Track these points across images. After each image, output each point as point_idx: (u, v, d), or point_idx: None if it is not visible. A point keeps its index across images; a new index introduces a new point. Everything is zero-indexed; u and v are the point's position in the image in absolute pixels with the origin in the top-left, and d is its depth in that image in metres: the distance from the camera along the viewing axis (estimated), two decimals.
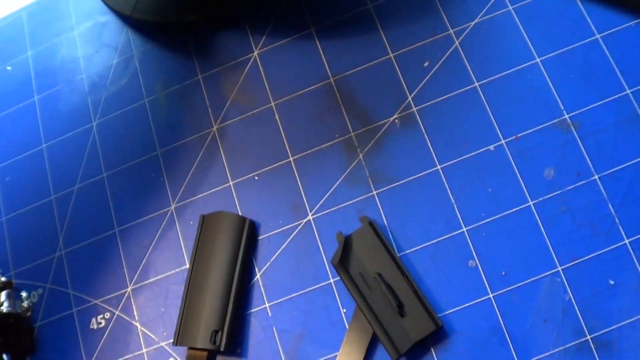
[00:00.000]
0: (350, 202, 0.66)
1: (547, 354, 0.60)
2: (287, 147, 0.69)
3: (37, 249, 0.72)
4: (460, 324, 0.62)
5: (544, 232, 0.63)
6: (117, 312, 0.68)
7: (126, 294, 0.68)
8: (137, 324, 0.67)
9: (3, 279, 0.71)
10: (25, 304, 0.70)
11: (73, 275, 0.71)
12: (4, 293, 0.70)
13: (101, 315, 0.68)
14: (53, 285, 0.71)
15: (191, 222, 0.69)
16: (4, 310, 0.69)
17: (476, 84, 0.66)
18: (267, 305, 0.65)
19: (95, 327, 0.68)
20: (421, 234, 0.65)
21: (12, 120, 0.78)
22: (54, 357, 0.69)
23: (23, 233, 0.73)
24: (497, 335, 0.61)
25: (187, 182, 0.70)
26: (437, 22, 0.69)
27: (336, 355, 0.63)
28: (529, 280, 0.62)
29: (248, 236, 0.66)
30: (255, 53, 0.72)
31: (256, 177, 0.68)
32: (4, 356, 0.68)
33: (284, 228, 0.67)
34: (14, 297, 0.70)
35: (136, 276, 0.69)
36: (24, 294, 0.71)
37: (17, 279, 0.72)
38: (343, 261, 0.62)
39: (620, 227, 0.61)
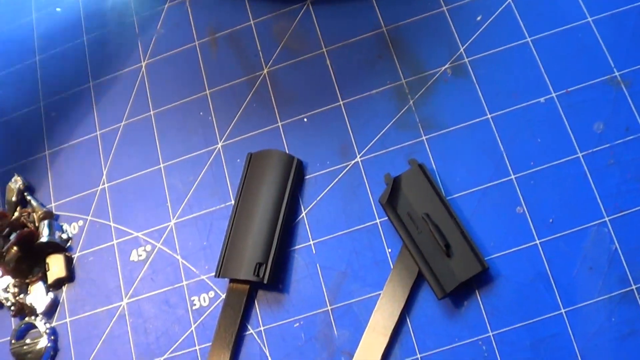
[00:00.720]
0: (399, 146, 0.66)
1: (591, 301, 0.60)
2: (337, 91, 0.69)
3: (79, 182, 0.72)
4: (506, 268, 0.62)
5: (592, 183, 0.63)
6: (158, 245, 0.68)
7: (169, 228, 0.68)
8: (179, 257, 0.67)
9: (44, 209, 0.70)
10: (64, 235, 0.70)
11: (115, 209, 0.71)
12: (44, 223, 0.69)
13: (142, 248, 0.68)
14: (94, 218, 0.71)
15: (238, 160, 0.69)
16: (44, 240, 0.68)
17: (528, 39, 0.67)
18: (311, 242, 0.65)
19: (135, 259, 0.68)
20: (469, 179, 0.65)
21: (61, 59, 0.78)
22: (92, 287, 0.69)
23: (66, 167, 0.73)
24: (542, 281, 0.61)
25: (235, 122, 0.70)
26: None
27: (380, 294, 0.62)
28: (575, 229, 0.62)
29: (295, 174, 0.66)
30: (308, 1, 0.73)
31: (305, 119, 0.69)
32: (41, 283, 0.68)
33: (332, 169, 0.67)
34: (54, 228, 0.69)
35: (180, 210, 0.69)
36: (64, 225, 0.70)
37: (57, 211, 0.71)
38: (391, 201, 0.62)
39: None
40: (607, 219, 0.62)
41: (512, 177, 0.64)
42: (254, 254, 0.63)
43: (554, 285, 0.60)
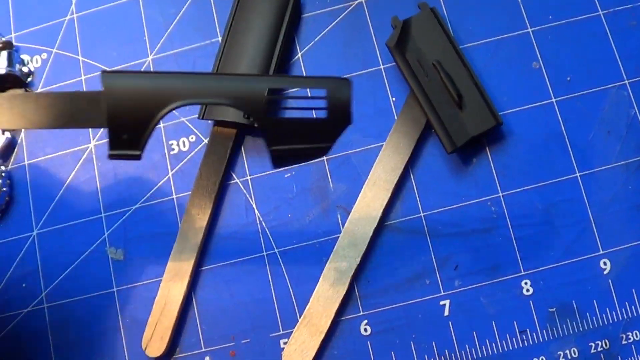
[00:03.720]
0: None
1: (608, 166, 0.57)
2: None
3: (44, 11, 0.65)
4: (520, 126, 0.58)
5: (612, 43, 0.59)
6: None
7: (145, 63, 0.63)
8: None
9: (3, 39, 0.62)
10: (25, 68, 0.62)
11: (85, 42, 0.64)
12: (2, 54, 0.62)
13: None
14: (60, 50, 0.64)
15: None
16: (2, 72, 0.61)
17: None
18: None
19: None
20: (484, 29, 0.60)
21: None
22: None
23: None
24: (557, 141, 0.58)
25: None
26: None
27: (382, 145, 0.58)
28: (594, 90, 0.58)
29: (293, 10, 0.60)
30: None
31: None
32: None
33: (333, 8, 0.62)
34: (14, 60, 0.62)
35: (159, 46, 0.63)
36: (25, 57, 0.63)
37: (18, 42, 0.64)
38: (399, 44, 0.57)
39: None
40: (627, 81, 0.58)
41: (529, 29, 0.60)
42: None
43: (569, 147, 0.57)
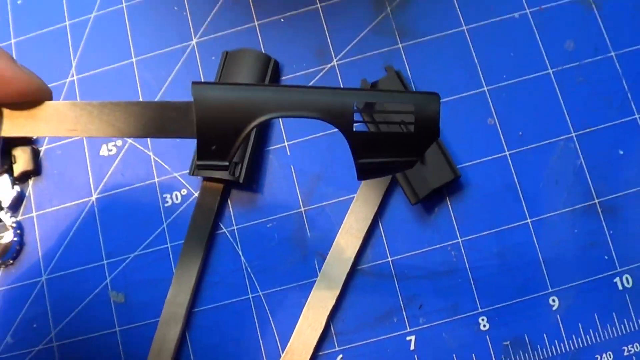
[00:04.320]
0: (375, 52, 0.67)
1: (556, 212, 0.63)
2: None
3: (46, 73, 0.68)
4: (476, 177, 0.64)
5: (560, 99, 0.65)
6: (130, 140, 0.67)
7: None
8: (151, 153, 0.67)
9: None
10: None
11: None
12: None
13: (112, 143, 0.68)
14: None
15: (212, 58, 0.68)
16: None
17: None
18: (286, 143, 0.66)
19: (105, 154, 0.68)
20: (444, 89, 0.66)
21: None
22: (60, 180, 0.69)
23: (33, 57, 0.71)
24: (510, 190, 0.64)
25: (210, 19, 0.69)
26: None
27: (353, 197, 0.63)
28: (544, 143, 0.64)
29: (272, 75, 0.66)
30: None
31: (282, 20, 0.68)
32: (7, 176, 0.67)
33: (308, 71, 0.68)
34: None
35: None
36: None
37: None
38: (368, 105, 0.63)
39: (632, 103, 0.63)
40: (573, 134, 0.64)
41: (485, 88, 0.65)
42: None
43: (521, 195, 0.63)
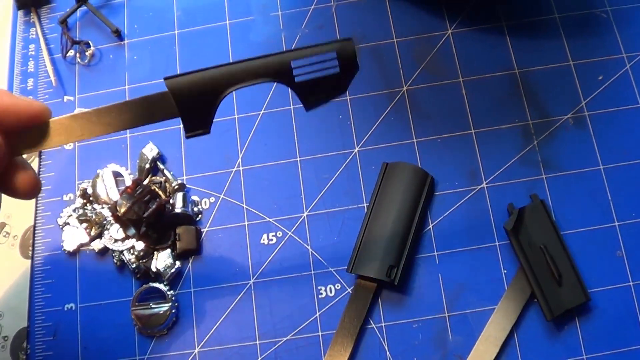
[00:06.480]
0: (521, 180, 0.74)
1: None
2: (470, 119, 0.76)
3: (213, 161, 0.78)
4: (603, 302, 0.71)
5: None
6: (290, 233, 0.73)
7: (301, 218, 0.74)
8: (309, 247, 0.73)
9: (178, 181, 0.75)
10: (196, 208, 0.75)
11: (248, 192, 0.76)
12: (179, 194, 0.74)
13: (273, 233, 0.74)
14: (227, 197, 0.76)
15: (372, 167, 0.75)
16: (178, 211, 0.73)
17: None
18: (435, 253, 0.72)
19: (265, 242, 0.74)
20: (579, 220, 0.73)
21: (202, 37, 0.83)
22: (219, 262, 0.74)
23: (201, 144, 0.78)
24: (631, 317, 0.70)
25: (373, 131, 0.76)
26: (612, 45, 0.79)
27: (494, 308, 0.70)
28: None
29: (429, 190, 0.73)
30: (450, 32, 0.80)
31: (439, 140, 0.76)
32: (169, 251, 0.72)
33: (459, 190, 0.75)
34: (188, 200, 0.74)
35: (313, 204, 0.74)
36: (196, 198, 0.75)
37: (187, 185, 0.76)
38: (515, 228, 0.70)
39: None
40: None
41: (616, 224, 0.73)
42: (387, 256, 0.69)
43: None
